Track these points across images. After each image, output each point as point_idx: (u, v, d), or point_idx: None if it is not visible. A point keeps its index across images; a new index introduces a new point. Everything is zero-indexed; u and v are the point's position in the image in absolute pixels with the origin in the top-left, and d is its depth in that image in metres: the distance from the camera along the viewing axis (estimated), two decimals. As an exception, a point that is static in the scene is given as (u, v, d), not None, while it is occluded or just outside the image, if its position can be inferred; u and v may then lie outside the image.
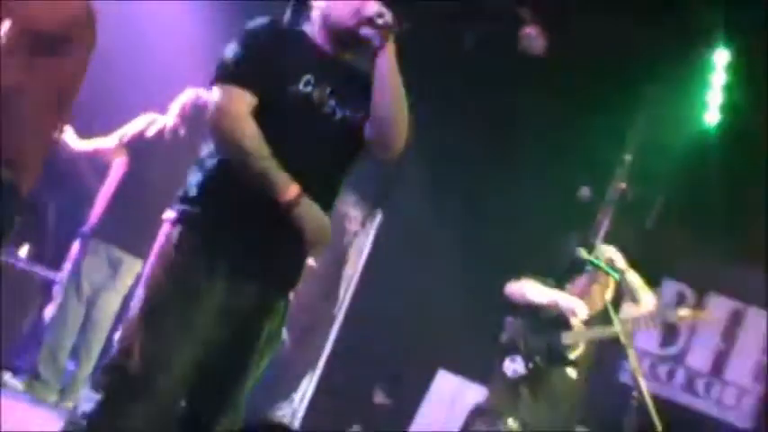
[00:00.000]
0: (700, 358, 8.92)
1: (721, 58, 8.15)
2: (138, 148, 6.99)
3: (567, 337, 6.43)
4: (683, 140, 8.41)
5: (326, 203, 3.79)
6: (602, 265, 6.54)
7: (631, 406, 6.05)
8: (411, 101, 3.82)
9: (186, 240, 3.67)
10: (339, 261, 9.25)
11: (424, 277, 8.92)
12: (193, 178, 3.77)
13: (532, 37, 8.28)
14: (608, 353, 7.06)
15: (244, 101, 3.62)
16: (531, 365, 6.45)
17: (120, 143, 7.07)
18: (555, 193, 8.40)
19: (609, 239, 8.23)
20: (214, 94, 3.65)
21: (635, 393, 6.05)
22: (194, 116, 6.96)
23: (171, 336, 3.59)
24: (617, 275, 6.40)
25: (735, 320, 8.82)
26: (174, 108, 7.08)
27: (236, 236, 3.68)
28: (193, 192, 3.74)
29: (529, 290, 6.49)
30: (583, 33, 8.12)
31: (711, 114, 8.36)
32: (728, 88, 8.26)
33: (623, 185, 8.42)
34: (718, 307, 8.80)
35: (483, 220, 8.98)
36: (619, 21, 7.86)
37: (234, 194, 3.66)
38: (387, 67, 3.75)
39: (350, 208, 9.17)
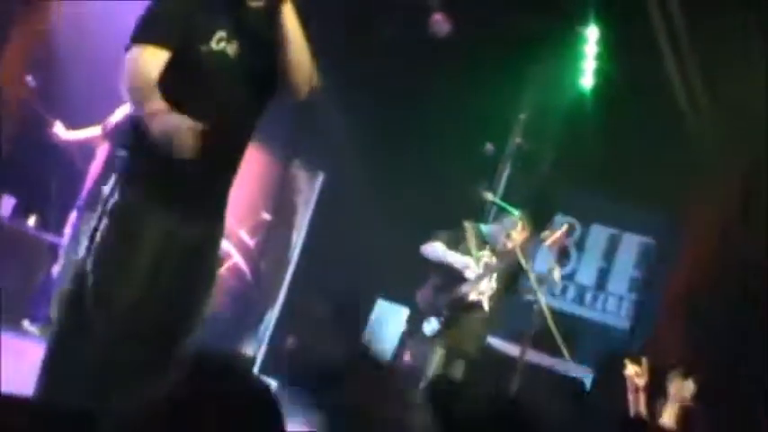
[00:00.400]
0: (586, 276, 9.44)
1: (593, 33, 8.64)
2: (119, 135, 7.05)
3: (465, 288, 6.86)
4: (565, 101, 8.90)
5: (244, 146, 3.78)
6: (502, 204, 7.35)
7: (534, 317, 6.86)
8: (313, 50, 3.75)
9: (130, 187, 3.58)
10: (290, 214, 9.72)
11: (361, 224, 9.26)
12: (129, 133, 3.71)
13: (440, 22, 8.47)
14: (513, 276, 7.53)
15: (151, 58, 3.55)
16: (442, 320, 6.86)
17: (104, 132, 7.41)
18: (465, 151, 8.67)
19: (509, 185, 8.94)
20: (128, 55, 3.56)
21: (535, 307, 6.94)
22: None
23: (119, 272, 3.52)
24: (515, 213, 7.07)
25: (612, 244, 9.38)
26: None
27: (176, 177, 3.56)
28: (131, 144, 3.68)
29: (435, 251, 6.92)
30: (482, 17, 8.46)
31: (587, 79, 8.85)
32: (599, 57, 8.74)
33: (519, 140, 8.94)
34: (600, 234, 9.42)
35: (407, 175, 9.34)
36: (511, 4, 8.35)
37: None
38: (289, 16, 3.65)
39: (297, 170, 9.63)
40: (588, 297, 9.37)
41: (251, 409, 1.83)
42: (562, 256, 9.12)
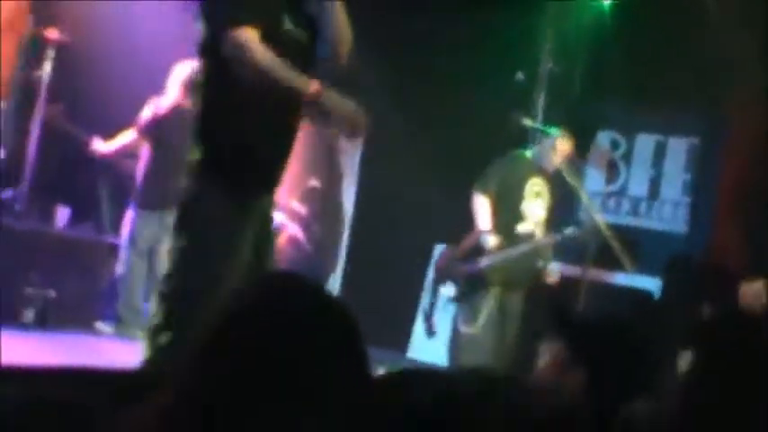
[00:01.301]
0: (638, 187, 9.26)
1: None
2: (154, 130, 7.42)
3: (483, 263, 6.80)
4: (589, 16, 8.83)
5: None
6: (542, 127, 7.36)
7: (591, 235, 6.85)
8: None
9: (209, 175, 3.87)
10: (338, 176, 9.79)
11: (408, 173, 9.18)
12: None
13: None
14: (566, 198, 7.65)
15: (255, 37, 3.79)
16: (459, 289, 6.88)
17: (139, 134, 7.57)
18: (498, 83, 8.68)
19: (548, 110, 8.89)
20: (231, 39, 3.77)
21: (591, 224, 6.92)
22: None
23: (219, 256, 3.80)
24: (555, 132, 7.04)
25: (660, 151, 9.20)
26: (173, 85, 7.40)
27: (249, 156, 3.90)
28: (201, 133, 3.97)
29: (475, 206, 6.87)
30: None
31: None
32: None
33: (550, 64, 8.89)
34: (645, 143, 9.23)
35: (444, 115, 9.24)
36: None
37: (242, 125, 3.90)
38: None
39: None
40: (643, 207, 9.24)
41: (327, 323, 1.70)
42: (611, 171, 9.20)
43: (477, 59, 8.94)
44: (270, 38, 3.88)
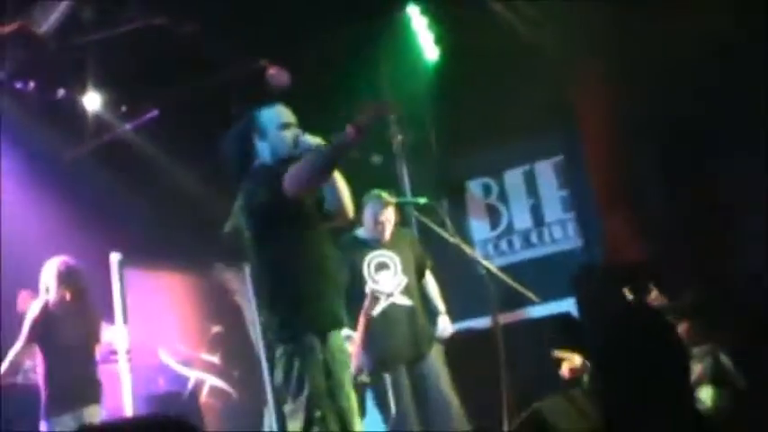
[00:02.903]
0: (523, 220, 9.38)
1: (413, 10, 8.92)
2: (42, 330, 7.17)
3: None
4: (421, 80, 8.97)
5: None
6: (408, 200, 7.44)
7: (485, 280, 6.73)
8: None
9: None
10: (238, 314, 9.42)
11: None
12: None
13: (276, 75, 8.48)
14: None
15: None
16: None
17: (25, 344, 7.21)
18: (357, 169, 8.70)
19: (416, 179, 8.96)
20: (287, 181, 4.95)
21: (485, 271, 6.90)
22: (72, 280, 7.26)
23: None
24: (423, 201, 7.03)
25: (530, 179, 9.40)
26: (49, 281, 7.22)
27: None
28: None
29: None
30: (308, 49, 8.48)
31: (430, 51, 9.00)
32: (431, 26, 8.93)
33: (400, 137, 8.91)
34: (514, 177, 9.43)
35: None
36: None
37: None
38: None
39: (223, 272, 9.35)
40: (534, 237, 9.33)
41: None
42: (492, 215, 9.32)
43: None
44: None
